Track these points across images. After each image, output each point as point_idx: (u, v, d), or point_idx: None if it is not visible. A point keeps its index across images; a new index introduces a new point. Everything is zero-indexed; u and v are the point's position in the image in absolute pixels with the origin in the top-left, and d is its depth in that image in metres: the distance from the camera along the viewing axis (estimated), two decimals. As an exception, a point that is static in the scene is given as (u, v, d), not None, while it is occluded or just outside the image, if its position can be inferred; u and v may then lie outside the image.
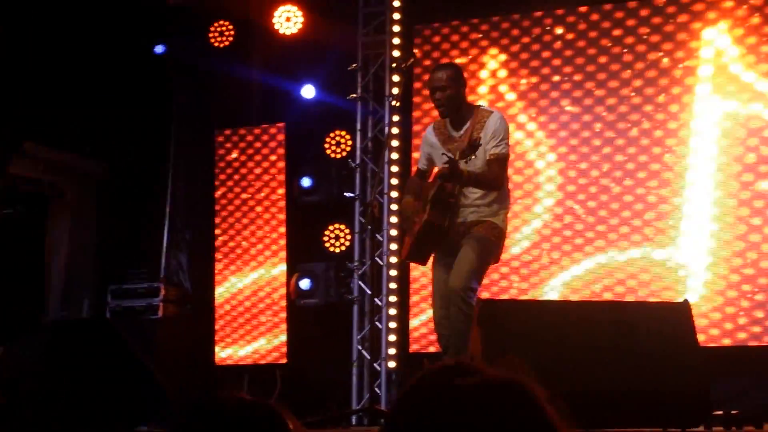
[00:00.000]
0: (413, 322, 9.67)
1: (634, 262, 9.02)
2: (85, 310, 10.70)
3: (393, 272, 9.63)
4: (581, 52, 9.35)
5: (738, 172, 8.76)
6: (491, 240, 6.82)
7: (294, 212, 10.58)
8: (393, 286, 9.64)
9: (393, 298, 9.63)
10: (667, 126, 9.01)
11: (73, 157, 10.95)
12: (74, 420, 4.56)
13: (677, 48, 9.01)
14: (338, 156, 10.41)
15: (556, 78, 9.43)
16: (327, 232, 10.31)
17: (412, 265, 9.00)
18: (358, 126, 10.10)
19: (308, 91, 10.39)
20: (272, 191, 10.71)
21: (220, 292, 10.74)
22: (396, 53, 9.88)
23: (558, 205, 9.34)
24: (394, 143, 9.61)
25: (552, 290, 9.27)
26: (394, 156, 9.65)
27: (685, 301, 6.13)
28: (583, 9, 9.39)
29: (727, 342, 8.63)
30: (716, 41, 8.86)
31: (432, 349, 9.14)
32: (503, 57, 9.66)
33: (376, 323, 9.69)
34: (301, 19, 10.51)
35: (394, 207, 9.56)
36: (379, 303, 9.67)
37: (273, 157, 10.75)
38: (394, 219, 9.55)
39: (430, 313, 7.48)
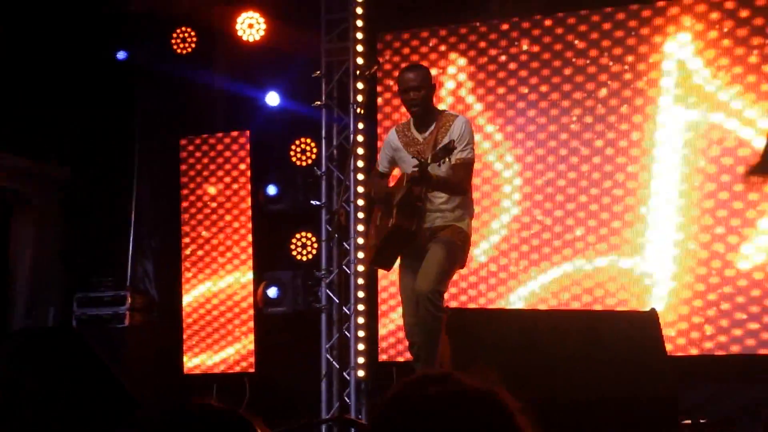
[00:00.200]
0: (382, 331, 9.67)
1: (601, 271, 9.08)
2: (51, 319, 10.61)
3: (361, 281, 9.62)
4: (546, 64, 9.43)
5: (701, 182, 8.85)
6: (457, 244, 6.85)
7: (260, 220, 10.56)
8: (361, 294, 9.63)
9: (361, 307, 9.61)
10: (630, 136, 9.09)
11: (36, 163, 10.85)
12: (40, 430, 4.50)
13: (639, 60, 9.11)
14: (304, 164, 10.39)
15: (524, 89, 9.48)
16: (294, 240, 10.29)
17: (380, 273, 9.00)
18: (323, 133, 10.06)
19: (272, 99, 10.36)
20: (240, 199, 10.67)
21: (188, 300, 10.69)
22: (360, 60, 9.87)
23: (525, 214, 9.38)
24: (360, 151, 9.60)
25: (520, 299, 9.31)
26: (360, 164, 9.63)
27: (653, 310, 6.15)
28: (548, 22, 9.46)
29: (694, 351, 8.69)
30: (677, 53, 8.96)
31: (401, 358, 9.16)
32: (466, 65, 9.71)
33: (345, 332, 9.67)
34: (263, 26, 10.49)
35: (360, 215, 9.56)
36: (348, 312, 9.65)
37: (242, 166, 10.71)
38: (360, 227, 9.54)
39: (399, 322, 7.48)
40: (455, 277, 7.40)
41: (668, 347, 6.64)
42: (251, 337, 10.42)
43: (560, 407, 5.28)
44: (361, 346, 9.57)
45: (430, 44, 9.86)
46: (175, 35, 10.93)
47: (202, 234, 10.72)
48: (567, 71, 9.34)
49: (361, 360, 9.55)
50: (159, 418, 2.22)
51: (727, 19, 8.84)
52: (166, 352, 10.49)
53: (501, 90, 9.55)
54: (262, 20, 10.49)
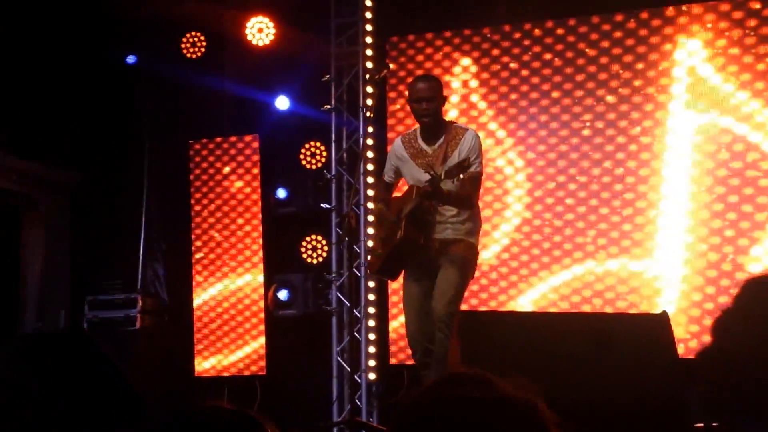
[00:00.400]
0: (392, 334, 9.67)
1: (612, 274, 9.08)
2: (62, 322, 10.62)
3: (371, 283, 9.62)
4: (558, 70, 9.45)
5: (711, 185, 8.85)
6: (469, 260, 6.89)
7: (270, 223, 10.56)
8: (371, 297, 9.64)
9: (371, 310, 9.62)
10: (641, 141, 9.10)
11: (46, 167, 10.87)
12: (51, 432, 4.50)
13: (650, 67, 9.13)
14: (313, 167, 10.38)
15: (535, 95, 9.50)
16: (304, 243, 10.28)
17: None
18: (333, 137, 10.07)
19: (282, 103, 10.36)
20: (252, 202, 10.69)
21: (198, 303, 10.70)
22: (369, 64, 9.87)
23: (536, 217, 9.38)
24: (369, 154, 9.60)
25: (530, 302, 9.30)
26: (370, 167, 9.63)
27: (664, 312, 6.11)
28: (560, 31, 9.49)
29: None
30: (687, 60, 9.00)
31: (412, 361, 9.14)
32: (475, 69, 9.73)
33: (356, 335, 9.67)
34: (273, 31, 10.49)
35: (371, 218, 9.55)
36: (358, 314, 9.65)
37: (254, 171, 10.72)
38: (371, 230, 9.53)
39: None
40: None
41: (679, 350, 6.63)
42: (262, 339, 10.43)
43: (571, 410, 5.26)
44: (371, 349, 9.57)
45: (439, 48, 9.87)
46: (184, 40, 10.95)
47: (215, 236, 10.73)
48: (579, 77, 9.36)
49: (372, 363, 9.55)
50: (170, 420, 2.21)
51: (735, 28, 8.88)
52: (176, 354, 10.51)
53: (513, 96, 9.58)
54: (271, 25, 10.49)
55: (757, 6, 8.83)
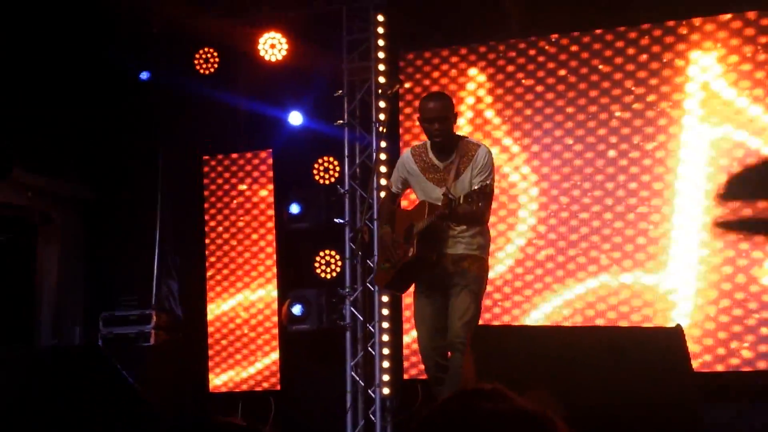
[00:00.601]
0: (406, 349, 9.66)
1: (626, 288, 9.06)
2: (77, 338, 10.64)
3: (385, 298, 9.62)
4: (572, 87, 9.46)
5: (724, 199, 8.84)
6: (483, 278, 6.87)
7: (284, 238, 10.57)
8: (385, 312, 9.64)
9: (386, 324, 9.62)
10: (655, 155, 9.11)
11: (60, 183, 10.91)
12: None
13: (663, 83, 9.16)
14: (327, 182, 10.39)
15: (549, 110, 9.52)
16: (318, 258, 10.28)
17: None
18: (346, 152, 10.08)
19: (295, 118, 10.38)
20: (267, 218, 10.70)
21: (212, 319, 10.71)
22: (381, 79, 9.90)
23: (550, 231, 9.38)
24: (383, 169, 9.59)
25: (544, 316, 9.29)
26: (383, 182, 9.62)
27: (678, 326, 6.10)
28: (574, 48, 9.50)
29: (719, 368, 8.65)
30: (700, 76, 9.03)
31: (425, 377, 9.13)
32: (489, 84, 9.73)
33: (369, 350, 9.66)
34: (285, 47, 10.50)
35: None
36: (372, 329, 9.64)
37: (270, 187, 10.74)
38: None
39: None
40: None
41: (694, 363, 6.61)
42: (276, 355, 10.43)
43: (585, 424, 5.25)
44: (385, 364, 9.57)
45: (452, 63, 9.88)
46: (197, 56, 10.98)
47: (230, 244, 10.76)
48: (593, 93, 9.37)
49: (386, 377, 9.54)
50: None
51: (747, 44, 8.92)
52: (191, 370, 10.52)
53: (528, 111, 9.59)
54: (284, 40, 10.51)
55: (768, 23, 8.88)
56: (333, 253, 10.24)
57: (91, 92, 10.68)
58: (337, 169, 10.33)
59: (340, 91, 10.03)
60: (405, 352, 9.69)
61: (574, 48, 9.49)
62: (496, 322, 9.26)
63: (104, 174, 11.02)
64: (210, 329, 10.69)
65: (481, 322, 8.75)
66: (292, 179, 10.60)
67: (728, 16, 8.99)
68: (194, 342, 10.64)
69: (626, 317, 9.02)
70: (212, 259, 10.82)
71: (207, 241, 10.86)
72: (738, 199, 8.82)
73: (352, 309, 9.80)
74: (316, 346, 10.12)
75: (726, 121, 8.88)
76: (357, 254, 9.51)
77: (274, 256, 10.61)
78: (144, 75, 10.98)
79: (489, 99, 9.73)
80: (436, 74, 9.89)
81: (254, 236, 10.71)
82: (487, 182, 6.57)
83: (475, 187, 6.45)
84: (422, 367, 7.28)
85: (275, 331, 10.46)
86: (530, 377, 5.47)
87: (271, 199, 10.71)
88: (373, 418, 9.55)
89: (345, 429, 9.52)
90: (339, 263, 10.18)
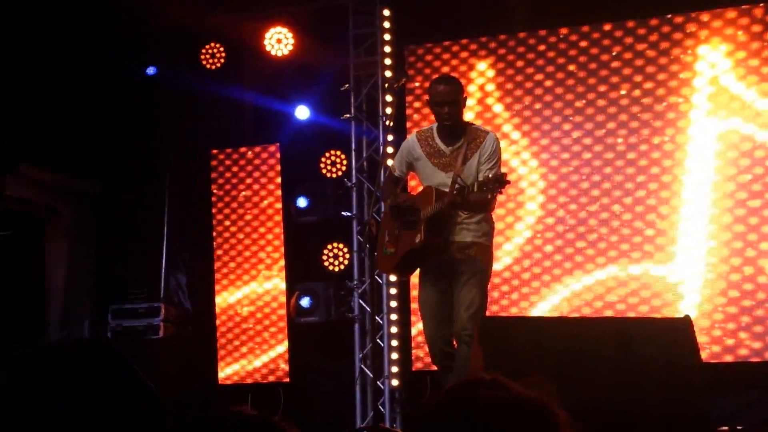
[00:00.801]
0: (414, 341, 9.67)
1: (634, 279, 9.08)
2: (86, 331, 10.66)
3: (393, 290, 9.64)
4: (582, 81, 9.48)
5: (732, 191, 8.88)
6: (489, 266, 6.87)
7: (291, 232, 10.58)
8: (393, 304, 9.65)
9: (394, 316, 9.63)
10: (663, 148, 9.12)
11: (69, 178, 10.93)
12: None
13: (671, 77, 9.19)
14: (334, 176, 10.41)
15: (558, 104, 9.54)
16: (326, 251, 10.30)
17: (412, 282, 9.00)
18: (353, 146, 10.10)
19: (302, 112, 10.39)
20: (275, 211, 10.72)
21: (220, 311, 10.73)
22: (388, 73, 9.91)
23: (558, 223, 9.40)
24: (390, 162, 9.60)
25: (552, 307, 9.30)
26: (390, 175, 9.64)
27: (687, 317, 6.10)
28: (584, 43, 9.49)
29: (728, 358, 8.66)
30: (708, 71, 9.06)
31: (434, 367, 9.15)
32: (493, 75, 9.74)
33: (378, 341, 9.68)
34: (292, 41, 10.51)
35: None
36: (380, 321, 9.66)
37: (278, 180, 10.75)
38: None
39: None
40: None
41: (702, 354, 6.61)
42: (285, 347, 10.45)
43: (593, 415, 5.25)
44: (394, 355, 9.58)
45: (458, 55, 9.89)
46: (204, 51, 10.98)
47: (238, 238, 10.79)
48: (602, 88, 9.39)
49: (394, 369, 9.56)
50: (194, 425, 2.23)
51: (755, 41, 8.95)
52: (200, 363, 10.54)
53: (537, 105, 9.60)
54: (290, 35, 10.51)
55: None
56: (341, 246, 10.26)
57: (99, 87, 10.69)
58: (345, 162, 10.34)
59: (347, 85, 10.04)
60: (413, 343, 9.70)
61: (583, 43, 9.50)
62: (503, 314, 9.28)
63: (112, 168, 11.03)
64: (219, 321, 10.70)
65: (488, 314, 8.81)
66: (299, 173, 10.61)
67: (735, 12, 8.99)
68: (203, 335, 10.66)
69: (634, 309, 9.04)
70: (219, 252, 10.84)
71: (215, 234, 10.88)
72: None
73: (361, 301, 9.83)
74: (325, 339, 10.14)
75: (734, 115, 8.90)
76: (365, 247, 9.52)
77: (282, 250, 10.62)
78: (151, 70, 10.99)
79: (497, 93, 9.73)
80: (445, 69, 9.86)
81: (261, 229, 10.73)
82: (501, 171, 6.54)
83: (489, 175, 6.42)
84: (430, 358, 7.28)
85: (282, 324, 10.49)
86: (539, 368, 5.48)
87: (279, 193, 10.72)
88: (381, 410, 9.58)
89: (354, 420, 9.55)
90: (347, 256, 10.20)
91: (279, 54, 10.53)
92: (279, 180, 10.74)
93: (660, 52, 9.21)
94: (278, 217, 10.69)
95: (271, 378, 10.46)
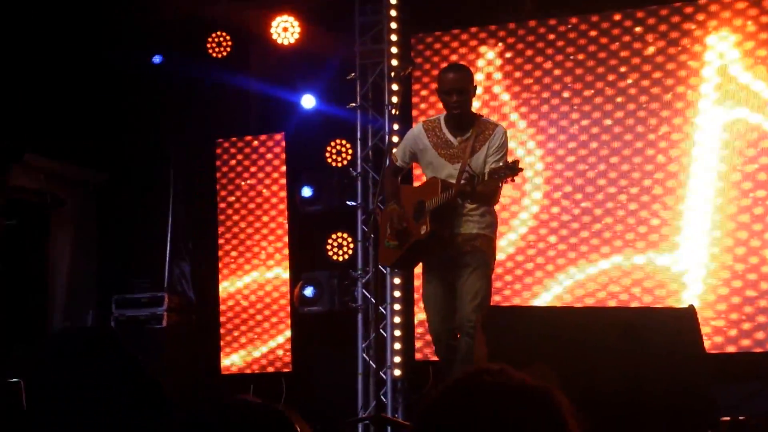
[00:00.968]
0: (418, 330, 9.67)
1: (638, 269, 9.07)
2: (90, 321, 10.68)
3: (397, 280, 9.62)
4: (590, 70, 9.47)
5: (738, 181, 8.86)
6: (493, 258, 6.85)
7: (296, 221, 10.58)
8: (397, 294, 9.64)
9: (397, 306, 9.62)
10: (670, 137, 9.10)
11: (73, 167, 10.93)
12: (79, 429, 4.54)
13: (680, 67, 9.16)
14: (339, 165, 10.41)
15: (566, 94, 9.51)
16: (330, 241, 10.30)
17: (416, 272, 9.00)
18: (359, 135, 10.09)
19: (308, 101, 10.38)
20: (279, 200, 10.72)
21: (224, 300, 10.73)
22: (394, 62, 9.89)
23: (563, 212, 9.38)
24: (395, 151, 9.60)
25: (555, 297, 9.30)
26: (396, 164, 9.63)
27: (691, 307, 6.10)
28: (593, 33, 9.48)
29: (731, 349, 8.66)
30: (716, 61, 9.03)
31: (436, 358, 9.16)
32: (501, 63, 9.72)
33: (381, 331, 9.68)
34: (298, 30, 10.51)
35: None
36: (384, 311, 9.66)
37: (283, 168, 10.75)
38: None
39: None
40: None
41: (706, 344, 6.60)
42: (288, 336, 10.45)
43: (597, 404, 5.26)
44: (397, 345, 9.58)
45: (467, 43, 9.87)
46: (210, 39, 10.99)
47: (241, 228, 10.79)
48: (611, 77, 9.37)
49: (397, 359, 9.56)
50: (199, 413, 2.23)
51: (763, 31, 8.93)
52: (203, 352, 10.55)
53: (545, 94, 9.57)
54: (296, 24, 10.52)
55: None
56: (345, 235, 10.26)
57: (104, 76, 10.68)
58: (350, 151, 10.34)
59: (353, 74, 10.03)
60: (416, 333, 9.70)
61: (592, 33, 9.47)
62: (506, 304, 9.27)
63: (117, 157, 11.03)
64: (222, 310, 10.71)
65: (491, 304, 8.82)
66: (304, 162, 10.61)
67: (744, 3, 8.97)
68: (206, 324, 10.67)
69: (638, 298, 9.03)
70: (222, 241, 10.84)
71: (219, 223, 10.88)
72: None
73: (364, 291, 9.82)
74: (328, 328, 10.14)
75: (742, 104, 8.88)
76: (369, 236, 9.50)
77: (286, 239, 10.62)
78: (156, 59, 10.99)
79: (506, 82, 9.71)
80: (454, 57, 9.83)
81: (265, 218, 10.72)
82: (502, 162, 6.51)
83: (500, 164, 6.42)
84: (433, 348, 7.27)
85: (283, 313, 10.50)
86: (543, 358, 5.48)
87: (284, 182, 10.72)
88: (384, 400, 9.57)
89: (356, 410, 9.55)
90: (351, 246, 10.20)
91: (285, 42, 10.54)
92: (284, 169, 10.74)
93: (669, 41, 9.18)
94: (283, 206, 10.68)
95: (274, 367, 10.47)
